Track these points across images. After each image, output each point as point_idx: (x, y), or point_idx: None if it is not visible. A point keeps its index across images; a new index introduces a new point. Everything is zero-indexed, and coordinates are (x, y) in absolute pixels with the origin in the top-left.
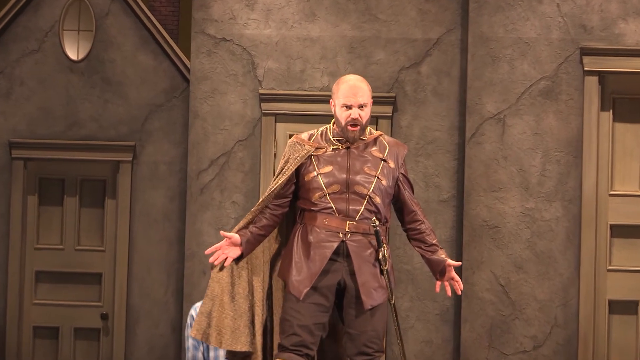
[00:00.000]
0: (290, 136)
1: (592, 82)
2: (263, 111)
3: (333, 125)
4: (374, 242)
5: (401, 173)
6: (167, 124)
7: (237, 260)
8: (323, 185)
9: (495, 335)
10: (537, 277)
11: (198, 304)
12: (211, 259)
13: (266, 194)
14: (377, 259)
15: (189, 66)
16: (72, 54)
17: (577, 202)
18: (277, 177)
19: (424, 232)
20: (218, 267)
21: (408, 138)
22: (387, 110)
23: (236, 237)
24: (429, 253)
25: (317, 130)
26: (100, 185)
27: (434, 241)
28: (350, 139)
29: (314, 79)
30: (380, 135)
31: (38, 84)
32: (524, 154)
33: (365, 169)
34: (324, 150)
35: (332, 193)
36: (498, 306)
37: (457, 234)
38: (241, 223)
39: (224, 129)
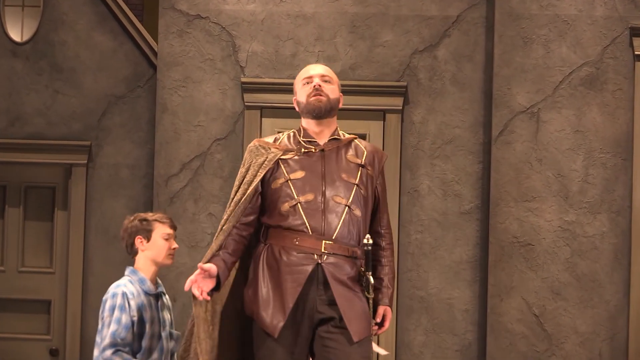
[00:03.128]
0: (278, 133)
1: None
2: (246, 103)
3: (301, 126)
4: (355, 265)
5: (379, 183)
6: (129, 119)
7: (213, 291)
8: (294, 193)
9: None
10: (579, 304)
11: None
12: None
13: (229, 211)
14: (361, 284)
15: (156, 49)
16: (15, 35)
17: (627, 214)
18: (238, 189)
19: (380, 260)
20: (198, 303)
21: (422, 136)
22: (397, 102)
23: (214, 268)
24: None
25: (282, 134)
26: (48, 194)
27: (386, 277)
28: (315, 111)
29: (308, 65)
30: (355, 138)
31: None
32: (563, 156)
33: (343, 175)
34: (293, 153)
35: (304, 202)
36: (531, 340)
37: (482, 253)
38: (214, 246)
39: (198, 125)
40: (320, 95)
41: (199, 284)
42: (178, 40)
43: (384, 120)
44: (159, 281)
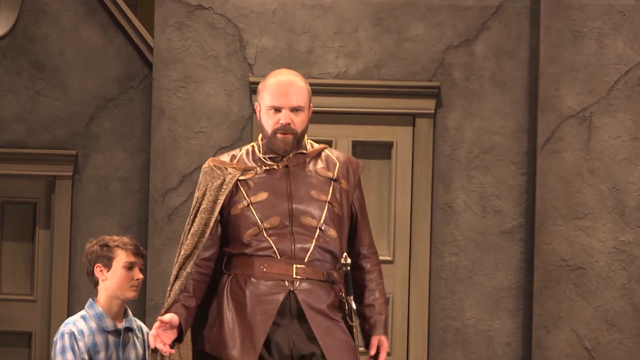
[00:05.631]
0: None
1: None
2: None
3: (261, 140)
4: (333, 290)
5: (356, 198)
6: (121, 125)
7: (176, 342)
8: (257, 219)
9: None
10: (636, 337)
11: (66, 326)
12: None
13: (189, 244)
14: (342, 312)
15: (151, 44)
16: None
17: None
18: (194, 218)
19: (366, 285)
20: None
21: (457, 144)
22: (428, 105)
23: (175, 318)
24: (360, 318)
25: (240, 150)
26: (28, 210)
27: (377, 302)
28: (280, 151)
29: (326, 62)
30: (325, 148)
31: None
32: (618, 167)
33: (313, 193)
34: (253, 172)
35: (270, 228)
36: None
37: (526, 278)
38: (176, 288)
39: (200, 131)
40: (287, 134)
41: (160, 338)
42: (177, 35)
43: (414, 126)
44: (129, 314)
